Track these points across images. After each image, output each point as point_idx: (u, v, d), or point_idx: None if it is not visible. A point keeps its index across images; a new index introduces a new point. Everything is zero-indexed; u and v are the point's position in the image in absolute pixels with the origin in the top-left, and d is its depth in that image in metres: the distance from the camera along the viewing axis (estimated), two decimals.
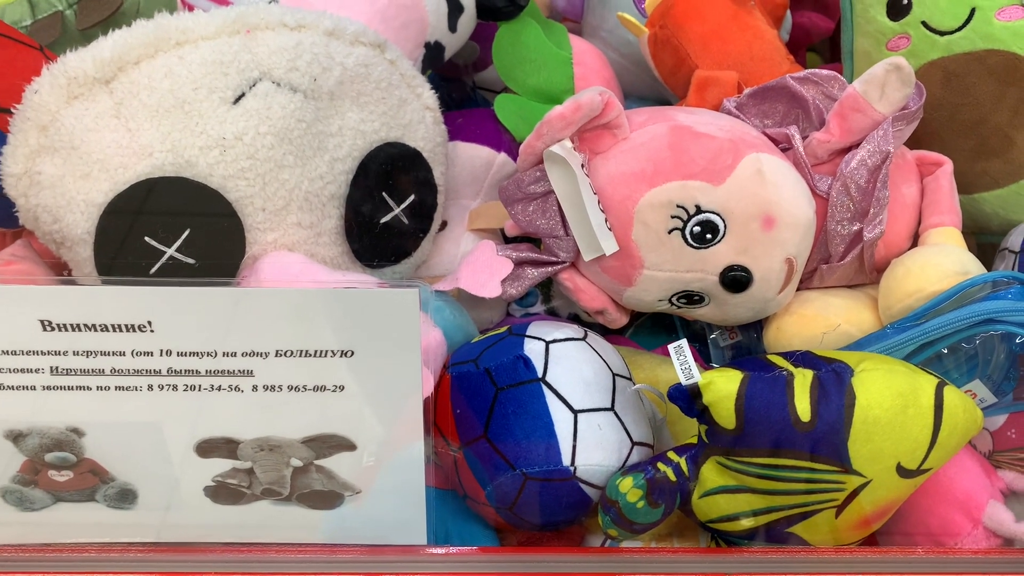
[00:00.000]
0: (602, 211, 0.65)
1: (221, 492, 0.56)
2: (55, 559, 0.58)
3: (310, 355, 0.50)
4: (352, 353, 0.50)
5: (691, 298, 0.68)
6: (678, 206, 0.64)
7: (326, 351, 0.49)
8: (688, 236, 0.64)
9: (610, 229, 0.66)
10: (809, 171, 0.69)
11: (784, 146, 0.70)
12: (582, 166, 0.65)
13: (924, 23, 0.77)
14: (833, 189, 0.68)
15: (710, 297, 0.68)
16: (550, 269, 0.69)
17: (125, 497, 0.56)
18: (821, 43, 1.07)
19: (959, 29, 0.75)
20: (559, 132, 0.65)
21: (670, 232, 0.64)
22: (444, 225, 0.79)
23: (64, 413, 0.51)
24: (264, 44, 0.62)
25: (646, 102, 0.95)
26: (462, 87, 1.02)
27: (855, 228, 0.68)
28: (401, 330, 0.49)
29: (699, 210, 0.64)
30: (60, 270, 0.64)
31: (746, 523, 0.59)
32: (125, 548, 0.58)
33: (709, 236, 0.64)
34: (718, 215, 0.64)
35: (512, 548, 0.65)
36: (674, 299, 0.68)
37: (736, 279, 0.65)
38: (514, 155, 0.84)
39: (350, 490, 0.56)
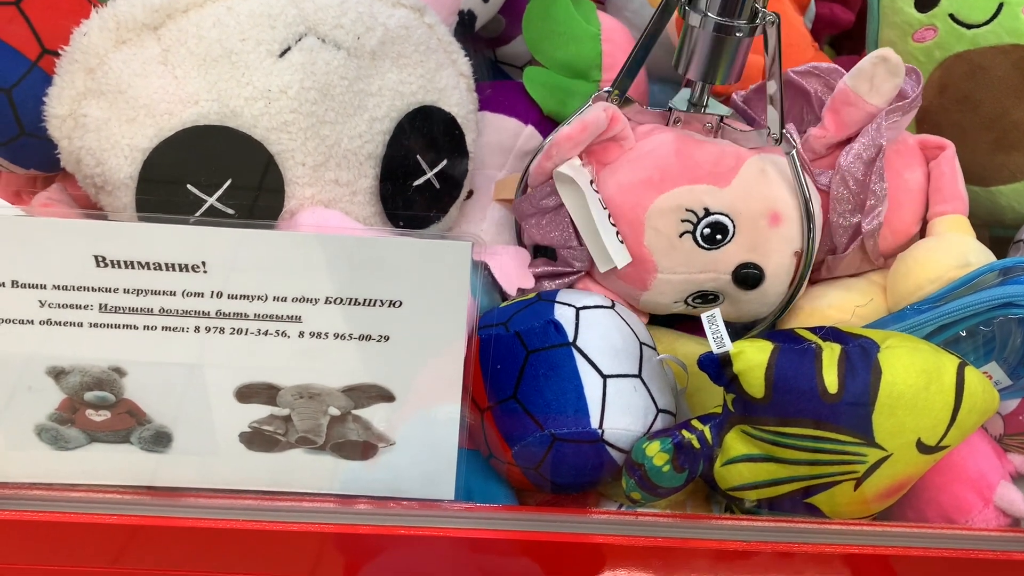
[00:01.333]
0: (613, 225, 0.67)
1: (256, 439, 0.56)
2: (85, 500, 0.59)
3: (359, 303, 0.50)
4: (400, 303, 0.50)
5: (706, 298, 0.70)
6: (687, 210, 0.66)
7: (375, 300, 0.50)
8: (699, 238, 0.66)
9: (622, 242, 0.68)
10: (808, 166, 0.71)
11: None
12: (591, 182, 0.68)
13: (952, 16, 0.78)
14: (832, 183, 0.71)
15: (724, 295, 0.70)
16: (567, 280, 0.71)
17: (160, 440, 0.56)
18: (836, 36, 1.08)
19: (986, 23, 0.77)
20: (568, 152, 0.67)
21: (681, 236, 0.66)
22: (471, 194, 0.80)
23: (108, 351, 0.52)
24: (311, 0, 0.63)
25: (668, 83, 0.96)
26: (485, 61, 1.02)
27: (856, 220, 0.70)
28: (451, 283, 0.50)
29: (708, 212, 0.66)
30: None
31: (766, 492, 0.61)
32: (155, 492, 0.59)
33: (719, 237, 0.66)
34: (726, 216, 0.66)
35: (534, 507, 0.66)
36: (689, 300, 0.70)
37: (748, 276, 0.67)
38: (541, 128, 0.85)
39: (384, 441, 0.57)
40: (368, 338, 0.52)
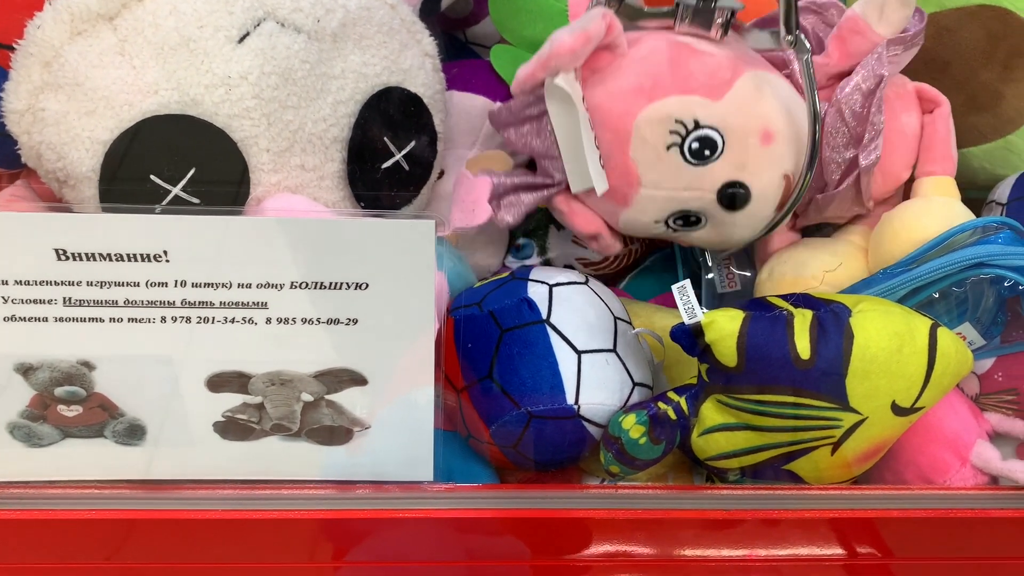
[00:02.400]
0: (597, 147, 0.65)
1: (230, 427, 0.56)
2: (61, 496, 0.58)
3: (325, 287, 0.50)
4: (367, 286, 0.50)
5: (688, 219, 0.67)
6: (677, 121, 0.63)
7: (340, 283, 0.50)
8: (686, 152, 0.64)
9: (603, 167, 0.65)
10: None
11: (786, 72, 0.70)
12: (583, 99, 0.65)
13: None
14: (828, 115, 0.69)
15: (707, 217, 0.67)
16: (545, 192, 0.69)
17: (134, 433, 0.56)
18: None
19: None
20: (567, 65, 0.63)
21: (668, 148, 0.64)
22: (441, 174, 0.79)
23: (76, 345, 0.51)
24: None
25: None
26: (453, 41, 1.02)
27: (850, 154, 0.68)
28: (416, 262, 0.49)
29: (697, 125, 0.63)
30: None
31: (744, 460, 0.61)
32: (131, 485, 0.59)
33: (707, 153, 0.64)
34: (716, 131, 0.64)
35: (516, 485, 0.66)
36: (670, 221, 0.67)
37: (734, 196, 0.64)
38: None
39: (359, 425, 0.57)
40: (336, 322, 0.52)
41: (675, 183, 0.65)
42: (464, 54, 1.00)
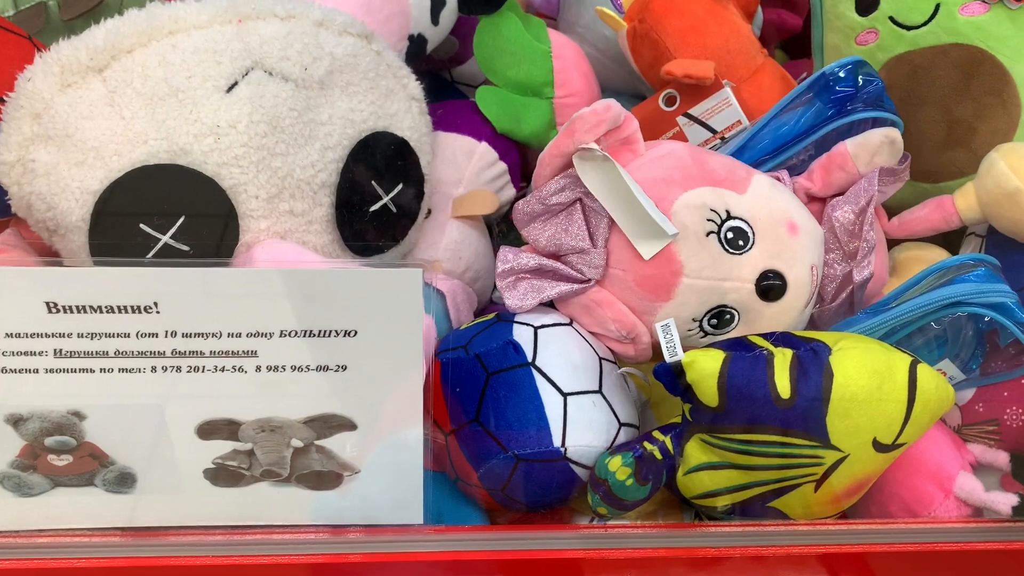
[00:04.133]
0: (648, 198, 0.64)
1: (221, 474, 0.57)
2: (51, 545, 0.58)
3: (314, 335, 0.51)
4: (355, 333, 0.51)
5: (722, 317, 0.65)
6: (711, 210, 0.64)
7: (330, 331, 0.51)
8: (723, 240, 0.64)
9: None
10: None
11: None
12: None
13: (891, 18, 0.80)
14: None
15: (742, 313, 0.66)
16: (575, 287, 0.66)
17: (124, 481, 0.56)
18: (788, 40, 1.10)
19: (925, 24, 0.79)
20: (592, 130, 0.63)
21: (708, 235, 0.64)
22: (429, 213, 0.80)
23: (66, 396, 0.52)
24: (256, 33, 0.63)
25: (622, 96, 0.97)
26: (441, 81, 1.03)
27: (844, 269, 0.70)
28: (404, 310, 0.50)
29: (729, 215, 0.64)
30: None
31: (728, 498, 0.62)
32: (122, 533, 0.59)
33: (741, 243, 0.64)
34: (746, 222, 0.65)
35: (505, 527, 0.66)
36: (705, 320, 0.66)
37: (771, 286, 0.64)
38: (495, 144, 0.86)
39: (349, 470, 0.57)
40: (326, 368, 0.52)
41: (715, 272, 0.64)
42: (451, 93, 1.01)
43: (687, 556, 0.62)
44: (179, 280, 0.48)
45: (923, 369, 0.60)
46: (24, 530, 0.58)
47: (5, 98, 0.59)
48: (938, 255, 0.78)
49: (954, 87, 0.78)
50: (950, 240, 0.81)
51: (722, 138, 0.84)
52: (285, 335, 0.50)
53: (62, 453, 0.55)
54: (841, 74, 0.74)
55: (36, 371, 0.50)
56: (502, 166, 0.85)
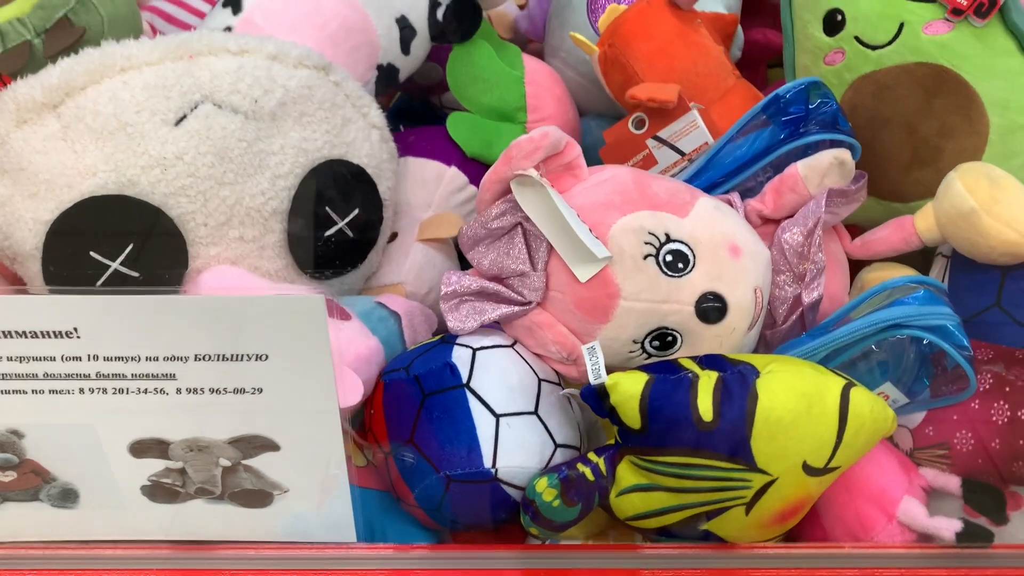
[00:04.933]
0: (583, 223, 0.65)
1: (157, 491, 0.59)
2: (9, 557, 0.62)
3: (227, 359, 0.53)
4: (267, 357, 0.53)
5: (664, 339, 0.66)
6: (650, 233, 0.65)
7: (242, 355, 0.53)
8: (662, 263, 0.64)
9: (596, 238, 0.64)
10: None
11: None
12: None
13: (857, 38, 0.79)
14: (771, 255, 0.71)
15: (684, 335, 0.66)
16: (516, 309, 0.67)
17: (67, 496, 0.59)
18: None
19: (889, 43, 0.78)
20: (528, 156, 0.65)
21: (645, 258, 0.64)
22: (395, 236, 0.82)
23: (3, 415, 0.55)
24: (206, 68, 0.66)
25: (605, 119, 0.98)
26: (430, 107, 1.06)
27: (794, 292, 0.70)
28: (311, 336, 0.52)
29: (669, 239, 0.65)
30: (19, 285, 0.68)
31: (659, 520, 0.62)
32: (73, 546, 0.62)
33: (681, 265, 0.64)
34: (686, 245, 0.65)
35: (440, 546, 0.67)
36: (647, 342, 0.66)
37: (711, 308, 0.64)
38: (464, 168, 0.87)
39: (278, 489, 0.59)
40: (242, 391, 0.54)
41: (653, 294, 0.64)
42: (440, 119, 1.04)
43: None
44: (95, 306, 0.51)
45: (857, 392, 0.60)
46: None
47: None
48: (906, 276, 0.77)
49: (918, 106, 0.77)
50: (928, 260, 0.80)
51: (690, 160, 0.84)
52: (200, 359, 0.53)
53: (6, 469, 0.58)
54: (793, 96, 0.74)
55: None
56: (472, 190, 0.87)
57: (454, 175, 0.86)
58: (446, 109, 1.04)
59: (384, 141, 0.78)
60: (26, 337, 0.51)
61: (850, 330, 0.64)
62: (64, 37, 0.79)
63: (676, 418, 0.58)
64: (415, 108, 1.07)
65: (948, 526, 0.62)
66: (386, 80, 0.86)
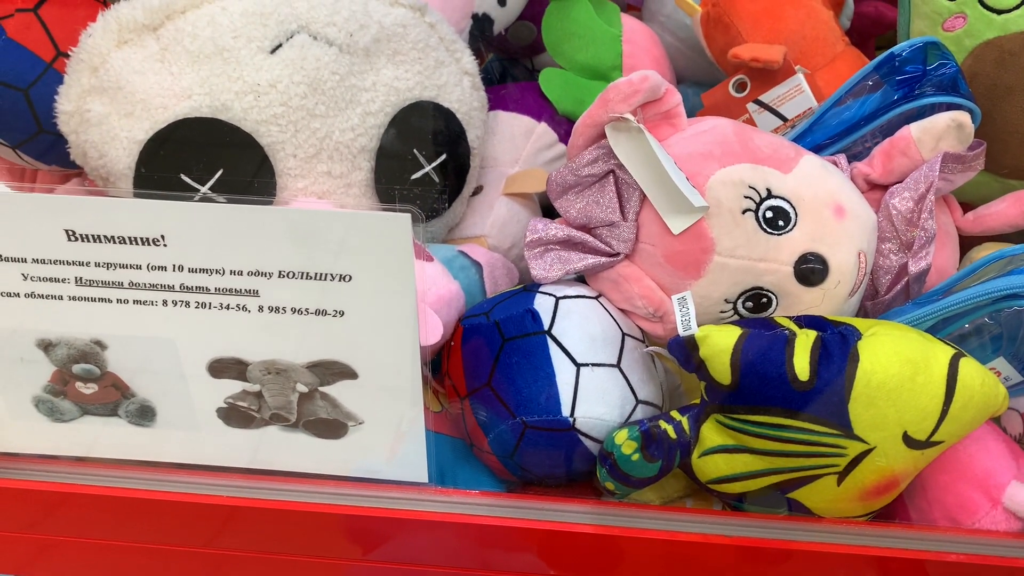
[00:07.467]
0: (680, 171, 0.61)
1: (233, 415, 0.58)
2: (85, 472, 0.62)
3: (310, 277, 0.52)
4: (350, 278, 0.52)
5: (758, 301, 0.62)
6: (750, 187, 0.61)
7: (325, 274, 0.52)
8: (761, 219, 0.61)
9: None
10: None
11: None
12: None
13: (981, 2, 0.75)
14: (878, 219, 0.67)
15: (780, 297, 0.62)
16: (603, 260, 0.64)
17: (145, 414, 0.59)
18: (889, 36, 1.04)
19: (1017, 7, 0.73)
20: (626, 99, 0.62)
21: (744, 213, 0.61)
22: (480, 190, 0.81)
23: (88, 324, 0.55)
24: None
25: (702, 86, 0.95)
26: (523, 70, 1.04)
27: (900, 261, 0.66)
28: (395, 255, 0.50)
29: (770, 194, 0.61)
30: None
31: (743, 485, 0.59)
32: (146, 467, 0.62)
33: (781, 223, 0.61)
34: (788, 202, 0.61)
35: (511, 495, 0.66)
36: (740, 303, 0.63)
37: (811, 270, 0.61)
38: (554, 125, 0.85)
39: (353, 420, 0.58)
40: (324, 313, 0.53)
41: (750, 251, 0.61)
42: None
43: (699, 542, 0.59)
44: (183, 214, 0.50)
45: (968, 363, 0.56)
46: (61, 456, 0.61)
47: (70, 53, 0.63)
48: None
49: None
50: None
51: (792, 126, 0.80)
52: (284, 275, 0.52)
53: (88, 381, 0.58)
54: (909, 55, 0.70)
55: (60, 298, 0.54)
56: (561, 147, 0.85)
57: (544, 131, 0.84)
58: (538, 72, 1.02)
59: (476, 89, 0.77)
60: (114, 242, 0.51)
61: (961, 298, 0.60)
62: None
63: (770, 375, 0.55)
64: (506, 71, 1.05)
65: None
66: (480, 30, 0.85)
